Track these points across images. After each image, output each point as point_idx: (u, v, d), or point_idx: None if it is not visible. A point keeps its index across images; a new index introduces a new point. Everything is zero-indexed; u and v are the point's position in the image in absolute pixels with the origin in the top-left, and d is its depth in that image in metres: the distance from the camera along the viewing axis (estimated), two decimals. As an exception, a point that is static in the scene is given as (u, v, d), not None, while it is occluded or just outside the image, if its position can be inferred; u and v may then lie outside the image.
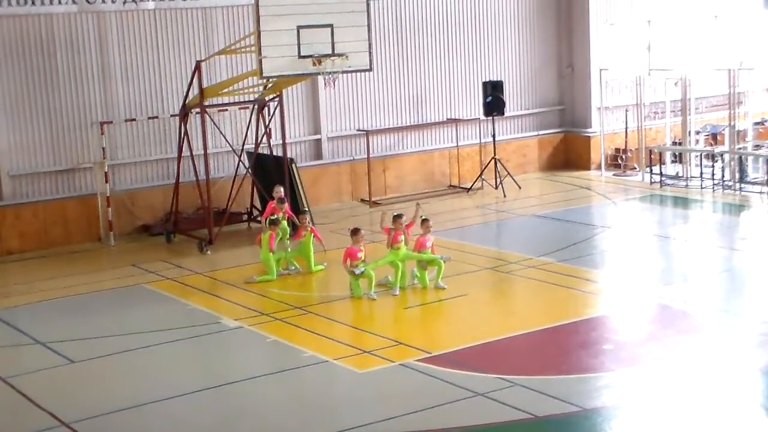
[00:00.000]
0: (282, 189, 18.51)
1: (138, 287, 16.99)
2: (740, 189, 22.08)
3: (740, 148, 22.81)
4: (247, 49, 18.62)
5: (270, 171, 20.11)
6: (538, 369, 12.34)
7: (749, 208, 20.92)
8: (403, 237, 15.84)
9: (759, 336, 13.11)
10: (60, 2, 19.99)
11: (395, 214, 16.09)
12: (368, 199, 22.81)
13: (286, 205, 18.13)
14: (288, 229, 17.83)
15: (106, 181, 20.22)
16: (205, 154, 19.30)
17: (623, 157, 25.20)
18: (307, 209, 19.24)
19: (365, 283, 15.59)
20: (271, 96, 19.96)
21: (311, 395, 12.11)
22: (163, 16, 21.07)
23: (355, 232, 15.90)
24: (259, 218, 20.34)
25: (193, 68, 19.31)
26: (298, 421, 11.28)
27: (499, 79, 24.20)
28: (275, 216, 17.48)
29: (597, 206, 22.06)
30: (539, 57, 25.84)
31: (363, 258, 15.62)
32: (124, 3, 20.59)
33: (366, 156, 22.99)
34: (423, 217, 16.31)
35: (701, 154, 23.50)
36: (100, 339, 14.37)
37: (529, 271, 16.76)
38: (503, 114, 23.90)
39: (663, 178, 23.40)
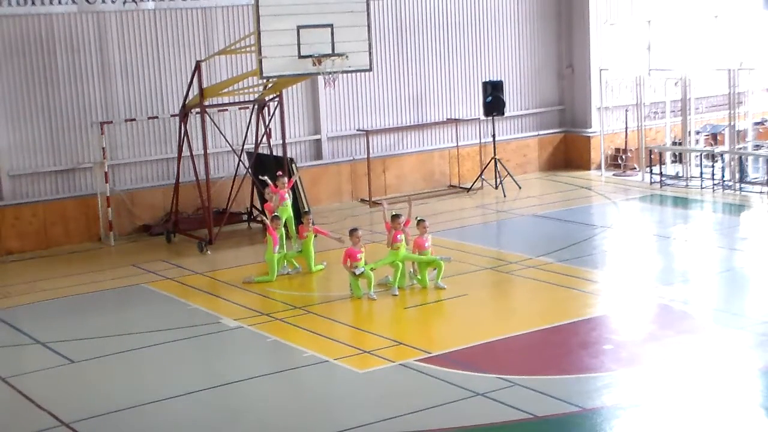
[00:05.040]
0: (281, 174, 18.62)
1: (138, 287, 17.00)
2: (740, 189, 22.08)
3: (740, 148, 22.81)
4: (247, 49, 18.63)
5: (270, 171, 20.10)
6: (538, 369, 12.34)
7: (749, 208, 20.92)
8: (402, 236, 15.85)
9: (759, 336, 13.11)
10: (60, 2, 19.99)
11: (393, 213, 16.07)
12: (368, 199, 22.81)
13: (286, 179, 18.20)
14: (291, 214, 17.84)
15: (106, 181, 20.23)
16: (205, 154, 19.29)
17: (623, 157, 25.20)
18: (308, 210, 19.22)
19: (365, 283, 15.59)
20: (271, 96, 19.97)
21: (311, 395, 12.10)
22: (163, 16, 21.08)
23: (351, 232, 15.92)
24: (258, 218, 20.36)
25: (193, 68, 19.32)
26: (298, 421, 11.28)
27: (499, 79, 24.21)
28: (276, 213, 17.53)
29: (597, 206, 22.06)
30: (539, 57, 25.84)
31: (363, 258, 15.63)
32: (124, 3, 20.59)
33: (366, 156, 23.00)
34: (419, 219, 16.30)
35: (701, 154, 23.50)
36: (100, 339, 14.38)
37: (529, 271, 16.76)
38: (503, 114, 23.90)
39: (663, 178, 23.40)
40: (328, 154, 23.18)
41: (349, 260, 15.61)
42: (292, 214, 18.10)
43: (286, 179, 18.27)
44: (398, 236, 15.78)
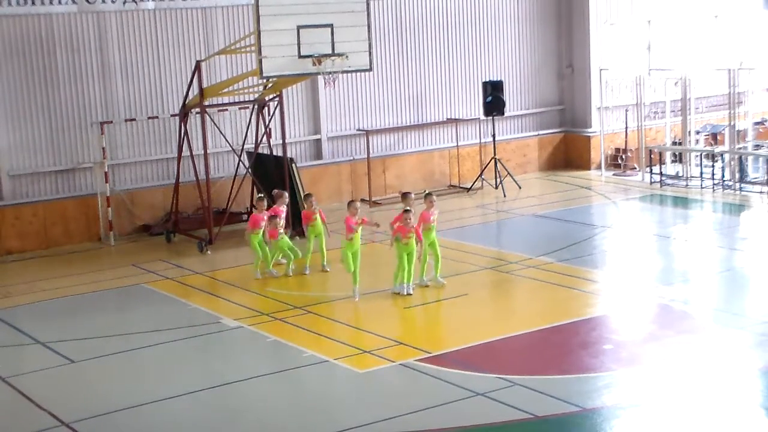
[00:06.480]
0: (285, 197, 17.97)
1: (138, 287, 17.00)
2: (740, 189, 22.09)
3: (740, 148, 22.81)
4: (247, 49, 18.63)
5: (270, 171, 20.11)
6: (538, 369, 12.34)
7: (749, 208, 20.92)
8: (412, 234, 15.46)
9: (759, 336, 13.11)
10: (60, 2, 20.00)
11: (405, 209, 15.70)
12: (368, 199, 22.81)
13: (281, 221, 17.46)
14: (292, 250, 17.37)
15: (106, 181, 20.23)
16: (205, 154, 19.30)
17: (623, 157, 25.20)
18: (308, 193, 18.58)
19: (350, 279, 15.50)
20: (271, 96, 19.97)
21: (311, 395, 12.11)
22: (163, 16, 21.08)
23: (350, 204, 15.79)
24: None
25: (193, 68, 19.32)
26: (298, 421, 11.28)
27: (499, 79, 24.21)
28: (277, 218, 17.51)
29: (597, 206, 22.06)
30: (539, 57, 25.84)
31: (358, 229, 15.43)
32: (124, 3, 20.59)
33: (366, 156, 23.00)
34: (426, 192, 16.20)
35: (701, 154, 23.50)
36: (100, 339, 14.38)
37: (529, 271, 16.76)
38: (503, 114, 23.91)
39: (663, 178, 23.41)
40: (328, 154, 23.18)
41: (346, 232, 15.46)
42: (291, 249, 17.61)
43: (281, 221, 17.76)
44: (408, 233, 15.44)
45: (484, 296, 15.90)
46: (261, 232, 17.01)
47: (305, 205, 17.68)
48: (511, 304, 15.91)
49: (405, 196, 16.30)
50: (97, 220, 20.40)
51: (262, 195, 18.13)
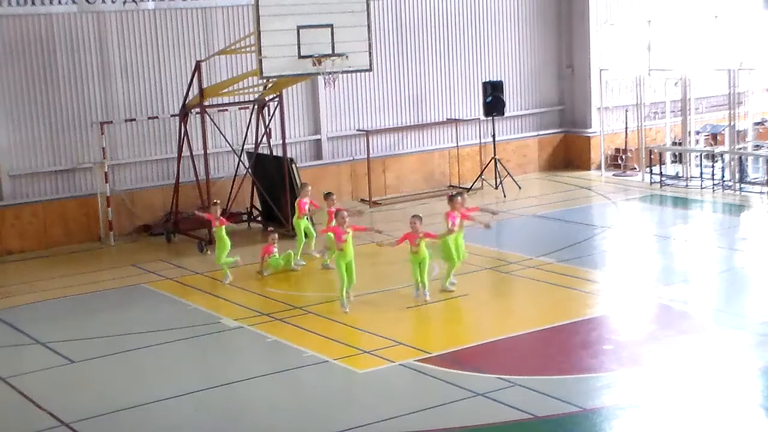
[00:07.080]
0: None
1: (138, 287, 17.00)
2: (740, 189, 22.08)
3: (740, 148, 22.81)
4: (247, 49, 18.64)
5: (270, 171, 20.12)
6: (538, 369, 12.34)
7: (749, 208, 20.92)
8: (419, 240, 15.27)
9: (759, 336, 13.11)
10: (60, 2, 20.00)
11: (413, 215, 15.55)
12: (368, 199, 22.81)
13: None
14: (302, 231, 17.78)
15: (106, 181, 20.24)
16: (205, 154, 19.30)
17: (623, 157, 25.20)
18: (331, 192, 18.49)
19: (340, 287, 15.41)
20: (271, 96, 19.97)
21: (311, 395, 12.11)
22: (163, 16, 21.09)
23: (337, 213, 15.56)
24: (258, 218, 20.42)
25: (193, 68, 19.33)
26: (298, 421, 11.28)
27: (499, 79, 24.22)
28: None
29: (597, 206, 22.06)
30: (539, 57, 25.84)
31: (347, 239, 15.11)
32: (124, 3, 20.60)
33: (366, 156, 23.00)
34: (450, 195, 16.22)
35: (701, 154, 23.51)
36: (100, 339, 14.38)
37: (529, 271, 16.76)
38: (503, 114, 23.91)
39: (663, 178, 23.41)
40: (328, 154, 23.18)
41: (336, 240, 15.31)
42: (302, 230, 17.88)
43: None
44: (415, 240, 15.20)
45: (484, 296, 15.90)
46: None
47: (326, 204, 17.64)
48: (511, 304, 15.92)
49: (452, 199, 16.12)
50: (97, 220, 20.40)
51: (217, 201, 17.91)
